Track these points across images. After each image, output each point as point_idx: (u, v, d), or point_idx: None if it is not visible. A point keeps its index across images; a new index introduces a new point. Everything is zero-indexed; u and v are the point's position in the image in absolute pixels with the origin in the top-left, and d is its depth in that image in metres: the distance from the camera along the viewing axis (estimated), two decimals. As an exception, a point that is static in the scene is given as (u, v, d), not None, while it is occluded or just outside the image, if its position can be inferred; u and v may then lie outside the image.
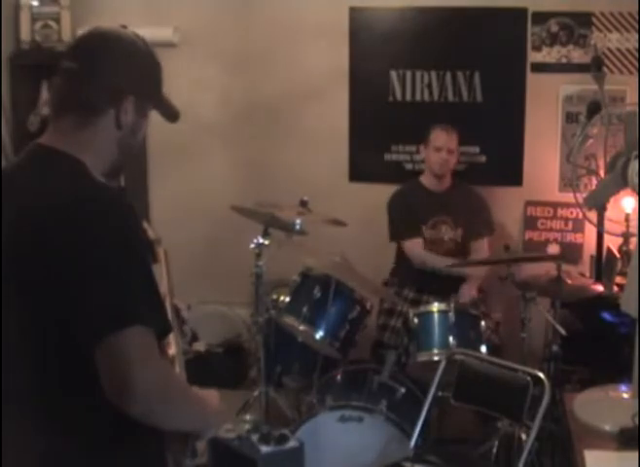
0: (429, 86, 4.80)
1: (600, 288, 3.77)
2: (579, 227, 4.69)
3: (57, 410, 1.59)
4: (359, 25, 4.83)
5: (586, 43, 4.58)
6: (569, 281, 3.65)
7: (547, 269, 3.76)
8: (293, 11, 4.88)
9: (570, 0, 4.60)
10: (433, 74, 4.79)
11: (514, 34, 4.68)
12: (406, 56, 4.80)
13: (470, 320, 3.75)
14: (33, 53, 4.81)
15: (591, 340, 3.96)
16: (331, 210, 4.05)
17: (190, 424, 1.71)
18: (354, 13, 4.83)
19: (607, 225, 4.13)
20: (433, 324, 3.73)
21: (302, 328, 3.74)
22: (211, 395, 1.76)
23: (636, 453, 2.13)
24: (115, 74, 1.68)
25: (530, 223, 4.79)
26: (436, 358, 3.56)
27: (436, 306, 3.77)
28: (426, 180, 4.53)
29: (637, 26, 4.51)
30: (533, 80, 4.69)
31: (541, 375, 3.03)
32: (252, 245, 3.82)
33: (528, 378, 3.00)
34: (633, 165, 2.48)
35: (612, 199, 3.14)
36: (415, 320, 3.73)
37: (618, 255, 4.23)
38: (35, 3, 4.84)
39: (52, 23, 4.85)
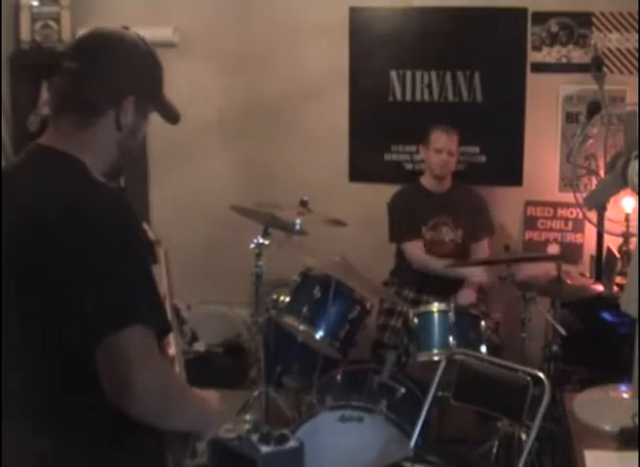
0: (429, 86, 4.80)
1: (600, 288, 3.77)
2: (579, 227, 4.69)
3: (57, 410, 1.59)
4: (359, 25, 4.83)
5: (586, 43, 4.59)
6: (569, 281, 3.65)
7: (547, 269, 3.76)
8: (293, 11, 4.88)
9: (570, 0, 4.60)
10: (433, 74, 4.79)
11: (514, 34, 4.68)
12: (406, 56, 4.80)
13: (470, 320, 3.75)
14: (33, 53, 4.81)
15: (591, 340, 3.96)
16: (331, 210, 4.05)
17: (190, 424, 1.72)
18: (354, 13, 4.83)
19: (607, 225, 4.13)
20: (433, 324, 3.73)
21: (302, 328, 3.74)
22: (211, 396, 1.76)
23: (636, 453, 2.13)
24: (116, 75, 1.68)
25: (530, 223, 4.79)
26: (436, 358, 3.56)
27: (436, 306, 3.77)
28: (426, 181, 4.52)
29: (637, 26, 4.52)
30: (533, 80, 4.69)
31: (541, 375, 3.03)
32: (252, 245, 3.82)
33: (528, 378, 2.99)
34: (633, 165, 2.48)
35: (612, 199, 3.15)
36: (415, 320, 3.73)
37: (618, 255, 4.23)
38: (35, 3, 4.84)
39: (52, 23, 4.85)
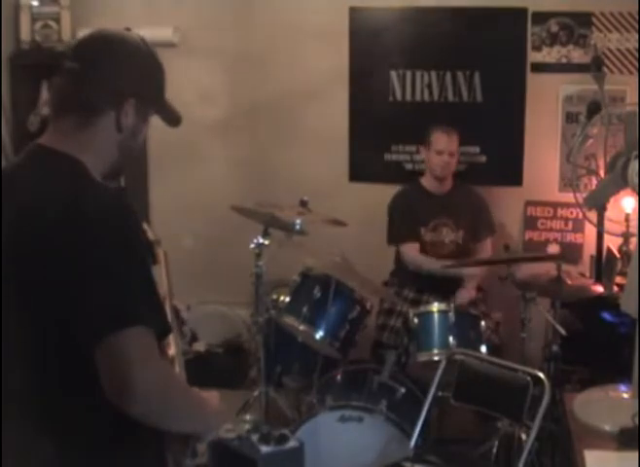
0: (429, 86, 4.80)
1: (600, 288, 3.77)
2: (579, 227, 4.69)
3: (57, 410, 1.59)
4: (359, 25, 4.83)
5: (586, 43, 4.59)
6: (569, 281, 3.65)
7: (547, 269, 3.76)
8: (293, 11, 4.88)
9: (570, 0, 4.60)
10: (433, 74, 4.79)
11: (514, 34, 4.67)
12: (406, 56, 4.80)
13: (470, 320, 3.76)
14: (33, 53, 4.81)
15: (591, 340, 3.96)
16: (331, 210, 4.05)
17: (190, 425, 1.71)
18: (354, 13, 4.83)
19: (607, 225, 4.13)
20: (433, 324, 3.73)
21: (302, 328, 3.74)
22: (211, 396, 1.76)
23: (636, 453, 2.13)
24: (117, 76, 1.68)
25: (530, 223, 4.79)
26: (436, 358, 3.56)
27: (436, 306, 3.77)
28: (427, 182, 4.52)
29: (637, 26, 4.52)
30: (533, 80, 4.69)
31: (541, 375, 3.03)
32: (252, 245, 3.82)
33: (528, 378, 3.00)
34: (633, 165, 2.48)
35: (612, 199, 3.15)
36: (415, 320, 3.74)
37: (618, 255, 4.23)
38: (35, 3, 4.84)
39: (52, 23, 4.85)
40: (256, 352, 4.08)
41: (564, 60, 4.64)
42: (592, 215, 4.12)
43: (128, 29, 1.77)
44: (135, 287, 1.55)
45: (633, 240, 4.22)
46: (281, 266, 3.89)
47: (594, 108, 4.00)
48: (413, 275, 4.36)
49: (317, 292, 3.75)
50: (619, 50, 4.56)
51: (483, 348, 3.63)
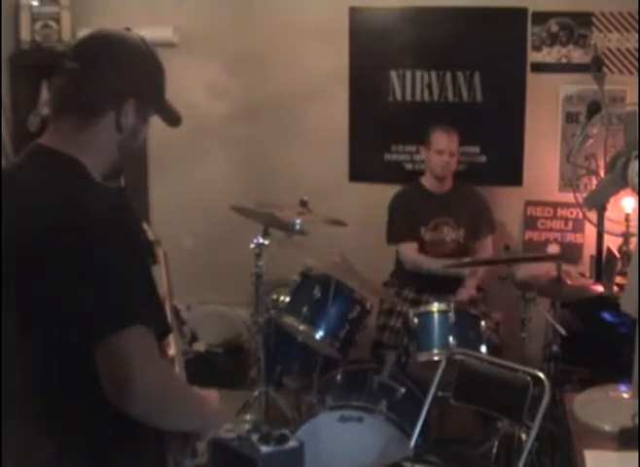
0: (429, 86, 4.80)
1: (600, 288, 3.77)
2: (579, 227, 4.69)
3: (57, 410, 1.59)
4: (359, 25, 4.83)
5: (586, 43, 4.59)
6: (569, 281, 3.65)
7: (547, 269, 3.76)
8: (293, 11, 4.88)
9: (570, 0, 4.60)
10: (433, 74, 4.79)
11: (514, 34, 4.67)
12: (406, 56, 4.80)
13: (470, 320, 3.76)
14: (33, 53, 4.81)
15: (591, 340, 3.96)
16: (331, 210, 4.05)
17: (190, 424, 1.72)
18: (354, 13, 4.83)
19: (607, 225, 4.13)
20: (433, 324, 3.73)
21: (302, 328, 3.74)
22: (211, 395, 1.76)
23: (636, 453, 2.13)
24: (117, 76, 1.68)
25: (530, 223, 4.79)
26: (436, 358, 3.56)
27: (436, 306, 3.77)
28: (427, 181, 4.53)
29: (637, 26, 4.51)
30: (533, 80, 4.69)
31: (541, 375, 3.03)
32: (252, 245, 3.82)
33: (528, 378, 3.00)
34: (633, 165, 2.48)
35: (612, 199, 3.15)
36: (415, 320, 3.74)
37: (618, 255, 4.23)
38: (35, 3, 4.84)
39: (52, 23, 4.85)
40: (256, 352, 4.08)
41: (564, 60, 4.64)
42: (592, 215, 4.12)
43: (128, 29, 1.77)
44: (135, 287, 1.55)
45: (633, 240, 4.22)
46: (281, 266, 3.89)
47: (594, 108, 4.00)
48: (413, 276, 4.36)
49: (317, 292, 3.75)
50: (619, 50, 4.56)
51: (483, 348, 3.63)
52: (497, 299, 4.39)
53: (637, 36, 4.51)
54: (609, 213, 4.10)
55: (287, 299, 3.85)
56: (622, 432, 2.29)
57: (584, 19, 4.58)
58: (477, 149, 4.78)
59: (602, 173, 3.91)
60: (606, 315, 3.98)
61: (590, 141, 4.09)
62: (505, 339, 4.18)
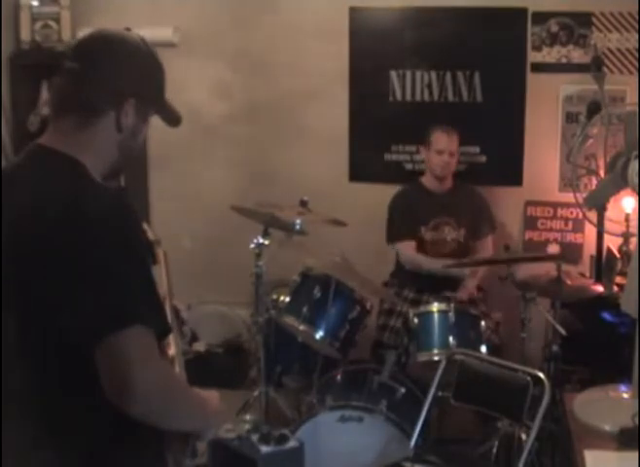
0: (429, 86, 4.80)
1: (600, 288, 3.77)
2: (579, 227, 4.69)
3: (57, 410, 1.59)
4: (359, 25, 4.83)
5: (586, 43, 4.58)
6: (569, 281, 3.65)
7: (547, 269, 3.76)
8: (293, 11, 4.88)
9: (570, 0, 4.60)
10: (433, 74, 4.79)
11: (514, 34, 4.67)
12: (406, 56, 4.80)
13: (470, 320, 3.76)
14: (33, 53, 4.81)
15: (591, 340, 3.95)
16: (331, 210, 4.05)
17: (190, 424, 1.72)
18: (354, 13, 4.83)
19: (607, 225, 4.13)
20: (433, 324, 3.73)
21: (302, 328, 3.74)
22: (211, 396, 1.76)
23: (636, 453, 2.13)
24: (116, 76, 1.68)
25: (530, 223, 4.79)
26: (436, 358, 3.56)
27: (436, 306, 3.77)
28: (427, 181, 4.53)
29: (637, 26, 4.51)
30: (533, 80, 4.69)
31: (541, 375, 3.03)
32: (252, 245, 3.82)
33: (528, 378, 3.00)
34: (633, 165, 2.48)
35: (612, 199, 3.15)
36: (415, 320, 3.74)
37: (618, 255, 4.23)
38: (35, 3, 4.84)
39: (52, 23, 4.85)
40: (256, 352, 4.08)
41: (564, 60, 4.64)
42: (592, 215, 4.12)
43: (128, 29, 1.77)
44: (135, 287, 1.55)
45: (633, 240, 4.22)
46: (281, 266, 3.89)
47: (594, 108, 4.01)
48: (413, 276, 4.36)
49: (317, 292, 3.75)
50: (619, 50, 4.56)
51: (483, 348, 3.63)
52: (497, 299, 4.39)
53: (637, 36, 4.51)
54: (609, 213, 4.10)
55: (287, 299, 3.84)
56: (622, 432, 2.29)
57: (584, 19, 4.58)
58: (477, 149, 4.77)
59: (602, 173, 3.91)
60: (606, 315, 3.98)
61: (590, 141, 4.09)
62: (505, 339, 4.18)
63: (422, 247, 4.42)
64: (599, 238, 4.34)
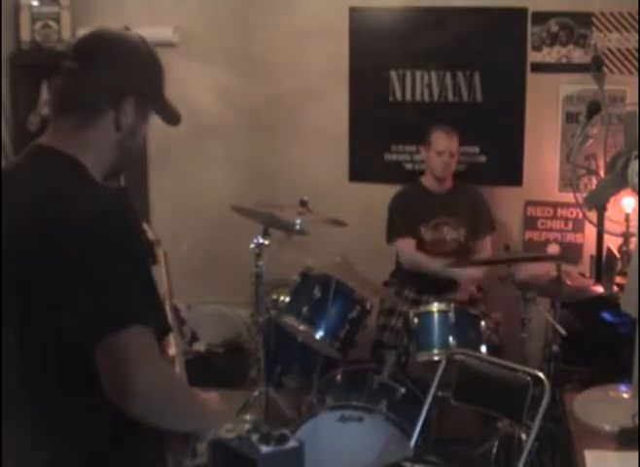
0: (429, 86, 4.80)
1: (600, 288, 3.77)
2: (579, 227, 4.69)
3: (57, 410, 1.59)
4: (359, 25, 4.83)
5: (586, 43, 4.59)
6: (569, 281, 3.64)
7: (547, 269, 3.76)
8: (293, 11, 4.88)
9: (570, 0, 4.60)
10: (433, 74, 4.79)
11: (514, 34, 4.68)
12: (406, 56, 4.80)
13: (470, 320, 3.75)
14: (33, 53, 4.81)
15: (591, 340, 3.96)
16: (331, 210, 4.05)
17: (190, 424, 1.72)
18: (354, 13, 4.83)
19: (607, 225, 4.13)
20: (433, 324, 3.73)
21: (302, 328, 3.74)
22: (211, 397, 1.76)
23: (636, 453, 2.13)
24: (116, 75, 1.68)
25: (530, 223, 4.79)
26: (436, 358, 3.56)
27: (436, 306, 3.77)
28: (427, 181, 4.53)
29: (637, 26, 4.52)
30: (533, 80, 4.69)
31: (541, 375, 3.03)
32: (252, 245, 3.82)
33: (528, 378, 3.00)
34: (633, 165, 2.48)
35: (612, 199, 3.14)
36: (415, 320, 3.73)
37: (618, 255, 4.23)
38: (35, 3, 4.84)
39: (52, 23, 4.85)
40: (256, 352, 4.07)
41: (564, 60, 4.64)
42: (592, 215, 4.12)
43: (127, 28, 1.77)
44: (135, 287, 1.55)
45: (633, 240, 4.22)
46: (281, 266, 3.89)
47: (594, 108, 4.00)
48: (413, 275, 4.36)
49: (317, 292, 3.75)
50: (619, 50, 4.56)
51: (483, 348, 3.63)
52: (497, 299, 4.39)
53: (637, 36, 4.51)
54: (609, 213, 4.10)
55: (287, 299, 3.84)
56: (622, 432, 2.29)
57: (584, 19, 4.58)
58: (476, 149, 4.77)
59: (602, 173, 3.91)
60: (606, 315, 3.98)
61: (590, 141, 4.09)
62: (505, 339, 4.18)
63: (422, 247, 4.42)
64: (599, 238, 4.34)
